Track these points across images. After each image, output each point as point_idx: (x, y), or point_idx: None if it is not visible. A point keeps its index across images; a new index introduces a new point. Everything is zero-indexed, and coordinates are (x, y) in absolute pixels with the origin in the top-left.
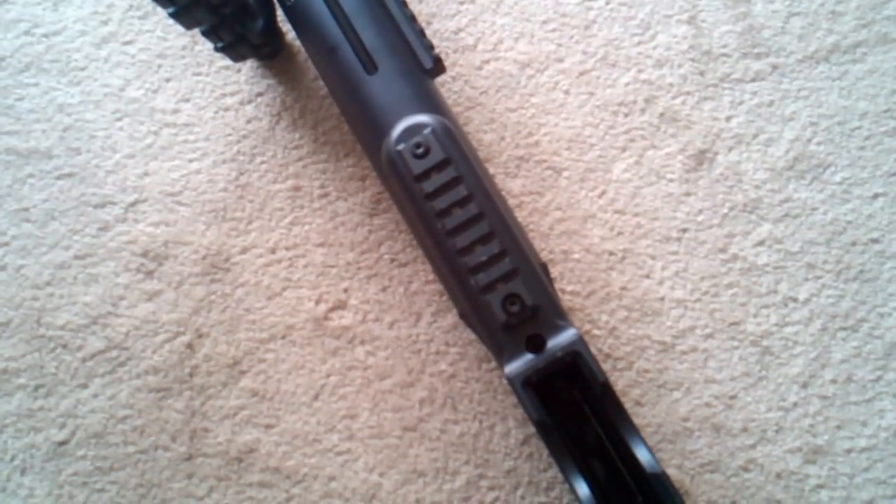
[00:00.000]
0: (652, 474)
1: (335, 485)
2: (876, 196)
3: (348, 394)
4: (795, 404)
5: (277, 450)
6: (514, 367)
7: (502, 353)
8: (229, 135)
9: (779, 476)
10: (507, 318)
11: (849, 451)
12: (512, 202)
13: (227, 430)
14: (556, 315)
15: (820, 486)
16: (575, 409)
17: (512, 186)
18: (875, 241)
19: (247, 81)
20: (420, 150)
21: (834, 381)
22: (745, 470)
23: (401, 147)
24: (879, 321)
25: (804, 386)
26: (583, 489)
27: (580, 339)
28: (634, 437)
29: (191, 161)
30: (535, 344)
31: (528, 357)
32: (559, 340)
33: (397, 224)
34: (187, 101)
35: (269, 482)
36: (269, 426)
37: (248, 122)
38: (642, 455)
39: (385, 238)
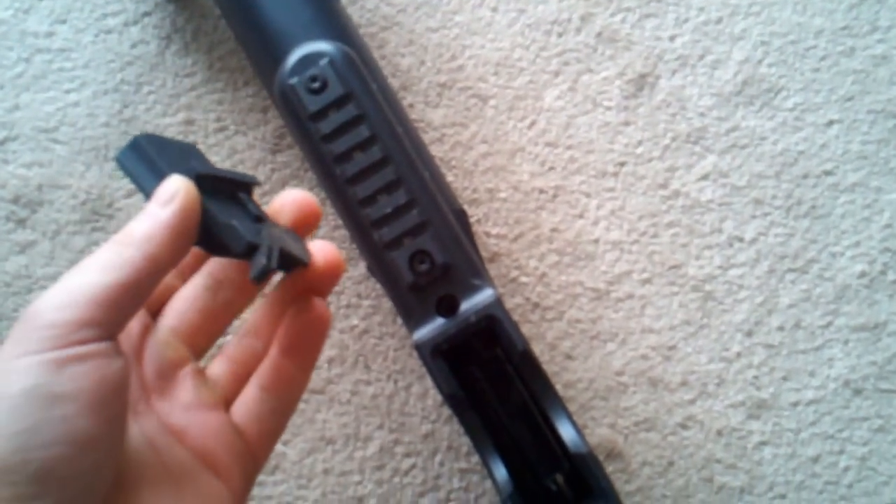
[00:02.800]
0: (576, 454)
1: None
2: (830, 123)
3: None
4: (739, 354)
5: None
6: (422, 333)
7: (411, 317)
8: (112, 61)
9: (719, 433)
10: (414, 278)
11: (795, 404)
12: (432, 135)
13: None
14: (471, 273)
15: (763, 443)
16: (498, 368)
17: (433, 117)
18: (828, 172)
19: None
20: (316, 85)
21: (781, 329)
22: (684, 427)
23: (294, 80)
24: (831, 261)
25: (749, 334)
26: (500, 472)
27: (497, 302)
28: (558, 412)
29: (68, 92)
30: (447, 306)
31: (439, 322)
32: (474, 302)
33: (303, 162)
34: (63, 22)
35: None
36: None
37: (134, 46)
38: (566, 432)
39: (289, 177)
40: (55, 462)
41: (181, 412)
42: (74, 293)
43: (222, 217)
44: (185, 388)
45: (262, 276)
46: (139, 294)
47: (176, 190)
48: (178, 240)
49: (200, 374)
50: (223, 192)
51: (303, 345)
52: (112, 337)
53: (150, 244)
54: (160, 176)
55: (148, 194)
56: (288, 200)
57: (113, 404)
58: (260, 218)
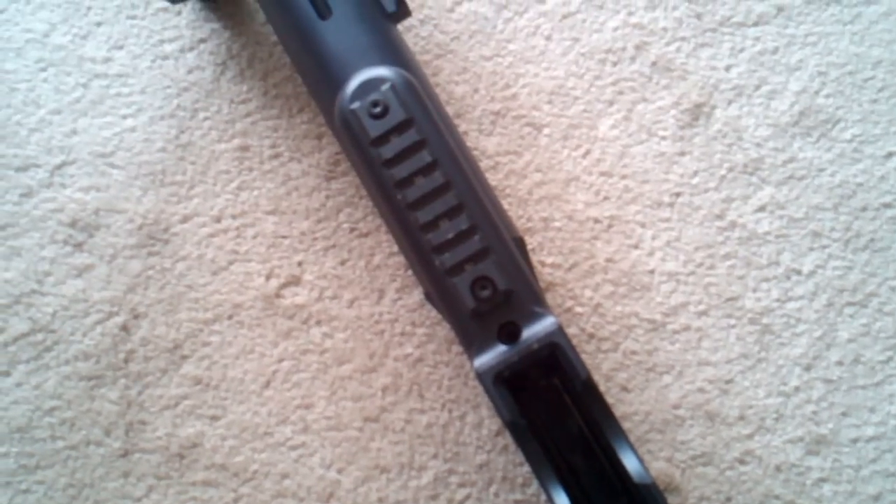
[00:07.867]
0: (641, 485)
1: (288, 483)
2: (889, 155)
3: (303, 381)
4: (797, 389)
5: (223, 444)
6: (484, 360)
7: (471, 344)
8: (168, 87)
9: (778, 469)
10: (476, 305)
11: (855, 440)
12: (486, 163)
13: (167, 423)
14: (532, 300)
15: (823, 480)
16: (555, 398)
17: (486, 145)
18: (887, 205)
19: (188, 26)
20: (377, 110)
21: (840, 363)
22: (742, 462)
23: (356, 105)
24: (891, 295)
25: (807, 368)
26: (562, 502)
27: (559, 330)
28: (621, 442)
29: (125, 117)
30: (509, 333)
31: (501, 349)
32: (536, 330)
33: (358, 189)
34: (120, 48)
35: (214, 480)
36: (214, 418)
37: (190, 72)
38: (630, 462)
39: (344, 204)
40: None
41: None
42: None
43: None
44: None
45: None
46: None
47: None
48: None
49: None
50: None
51: None
52: None
53: None
54: None
55: None
56: None
57: None
58: None
